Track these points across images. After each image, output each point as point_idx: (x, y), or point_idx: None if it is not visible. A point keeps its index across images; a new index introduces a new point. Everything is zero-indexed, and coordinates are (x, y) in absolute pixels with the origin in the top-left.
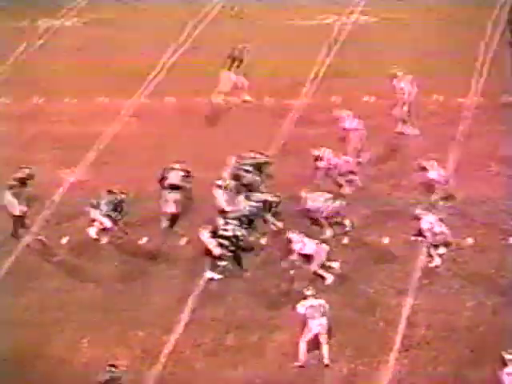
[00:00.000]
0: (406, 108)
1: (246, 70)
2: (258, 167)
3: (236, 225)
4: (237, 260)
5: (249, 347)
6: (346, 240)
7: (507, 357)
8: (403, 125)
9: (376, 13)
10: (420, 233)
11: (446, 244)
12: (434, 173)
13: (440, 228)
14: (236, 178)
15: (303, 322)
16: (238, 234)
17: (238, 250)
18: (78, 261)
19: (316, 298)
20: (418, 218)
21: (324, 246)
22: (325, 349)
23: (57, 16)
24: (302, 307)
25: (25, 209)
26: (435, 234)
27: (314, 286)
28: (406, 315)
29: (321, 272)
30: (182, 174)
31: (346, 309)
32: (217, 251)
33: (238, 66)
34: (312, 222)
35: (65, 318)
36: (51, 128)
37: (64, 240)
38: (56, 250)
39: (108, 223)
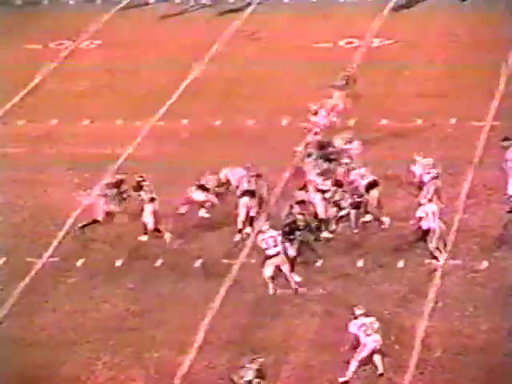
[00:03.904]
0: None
1: (263, 92)
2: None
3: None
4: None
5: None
6: (360, 263)
7: None
8: None
9: (391, 35)
10: (435, 256)
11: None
12: (418, 167)
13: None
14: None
15: (356, 341)
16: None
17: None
18: (93, 282)
19: (367, 315)
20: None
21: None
22: (378, 360)
23: (72, 38)
24: (354, 326)
25: None
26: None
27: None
28: (420, 338)
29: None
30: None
31: None
32: (291, 252)
33: None
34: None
35: (80, 339)
36: (67, 150)
37: (79, 262)
38: (71, 271)
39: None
